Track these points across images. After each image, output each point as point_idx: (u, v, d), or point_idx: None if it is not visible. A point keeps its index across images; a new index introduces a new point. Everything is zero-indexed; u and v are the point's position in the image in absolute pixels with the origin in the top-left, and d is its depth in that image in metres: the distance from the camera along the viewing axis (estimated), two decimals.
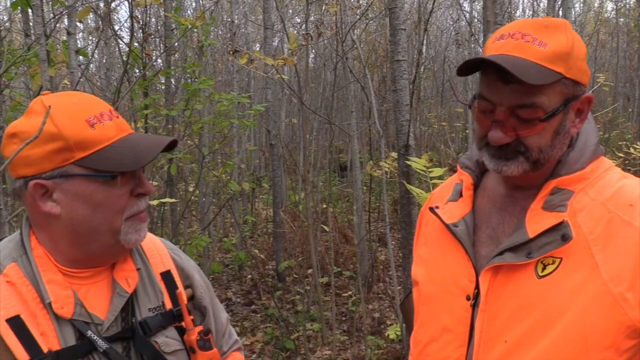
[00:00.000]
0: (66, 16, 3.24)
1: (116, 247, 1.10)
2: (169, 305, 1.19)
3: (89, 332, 1.04)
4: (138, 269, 1.17)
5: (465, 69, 1.07)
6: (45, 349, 0.99)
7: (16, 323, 0.99)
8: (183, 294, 1.22)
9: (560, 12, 7.17)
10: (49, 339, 1.01)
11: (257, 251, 7.09)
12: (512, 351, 1.04)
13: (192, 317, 1.20)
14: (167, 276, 1.22)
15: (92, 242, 1.07)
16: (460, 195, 1.23)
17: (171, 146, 1.12)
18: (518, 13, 13.16)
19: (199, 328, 1.18)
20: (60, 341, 1.02)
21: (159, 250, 1.26)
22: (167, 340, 1.15)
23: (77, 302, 1.05)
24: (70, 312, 1.04)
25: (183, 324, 1.18)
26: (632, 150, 5.81)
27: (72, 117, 1.02)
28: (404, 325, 3.82)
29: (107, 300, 1.10)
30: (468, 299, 1.12)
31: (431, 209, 1.25)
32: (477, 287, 1.11)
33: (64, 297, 1.04)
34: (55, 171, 1.02)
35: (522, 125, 1.04)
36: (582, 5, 14.87)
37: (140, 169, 1.09)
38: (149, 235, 1.26)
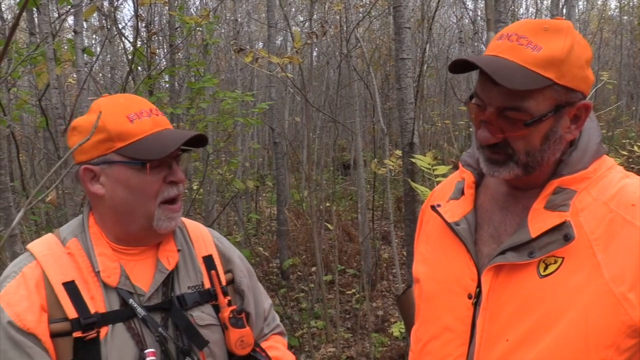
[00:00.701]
0: (72, 15, 3.26)
1: (151, 231, 1.25)
2: (207, 285, 1.33)
3: (131, 300, 1.20)
4: (179, 250, 1.32)
5: (455, 67, 1.08)
6: (92, 311, 1.17)
7: (71, 287, 1.17)
8: (222, 276, 1.36)
9: (564, 10, 7.15)
10: (96, 303, 1.18)
11: (261, 249, 7.11)
12: (513, 350, 1.05)
13: (228, 298, 1.33)
14: (208, 260, 1.37)
15: (130, 223, 1.24)
16: (462, 193, 1.22)
17: (201, 142, 1.27)
18: (522, 11, 13.14)
19: (232, 307, 1.31)
20: (106, 305, 1.19)
21: (204, 237, 1.41)
22: (202, 314, 1.28)
23: (122, 274, 1.22)
24: (116, 281, 1.21)
25: (218, 302, 1.31)
26: (635, 148, 5.80)
27: (115, 114, 1.21)
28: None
29: (151, 276, 1.26)
30: (470, 297, 1.12)
31: (433, 207, 1.25)
32: (478, 285, 1.11)
33: (111, 268, 1.21)
34: (101, 158, 1.21)
35: (509, 127, 1.05)
36: (585, 3, 14.83)
37: (173, 160, 1.25)
38: (197, 223, 1.45)
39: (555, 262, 1.03)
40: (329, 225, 5.59)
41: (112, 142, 1.19)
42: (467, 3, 11.62)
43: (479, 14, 10.68)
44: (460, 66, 1.07)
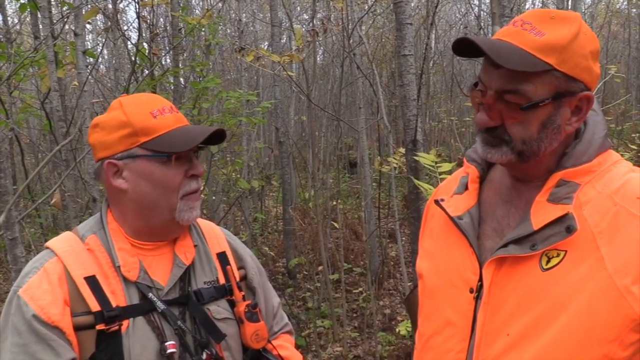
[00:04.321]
0: (74, 17, 3.25)
1: (172, 224, 1.29)
2: (222, 280, 1.37)
3: (150, 294, 1.23)
4: (195, 246, 1.36)
5: (459, 48, 1.08)
6: (114, 304, 1.19)
7: (92, 281, 1.20)
8: (235, 271, 1.40)
9: (570, 3, 7.08)
10: (117, 297, 1.21)
11: (267, 249, 7.11)
12: (514, 344, 1.03)
13: (242, 293, 1.36)
14: (222, 256, 1.41)
15: (152, 216, 1.27)
16: (466, 188, 1.22)
17: (221, 137, 1.31)
18: (527, 5, 13.03)
19: (248, 302, 1.34)
20: (126, 299, 1.21)
21: (216, 235, 1.45)
22: (218, 308, 1.32)
23: (141, 268, 1.25)
24: (135, 276, 1.23)
25: (234, 297, 1.34)
26: None
27: (139, 109, 1.25)
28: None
29: (168, 270, 1.30)
30: (471, 291, 1.11)
31: (436, 202, 1.24)
32: (480, 279, 1.10)
33: (131, 262, 1.24)
34: (125, 153, 1.24)
35: (507, 111, 1.05)
36: None
37: (193, 155, 1.29)
38: (209, 222, 1.49)
39: (558, 255, 1.02)
40: (335, 224, 5.57)
41: (137, 137, 1.23)
42: None
43: (484, 9, 10.61)
44: (464, 47, 1.07)
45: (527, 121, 1.04)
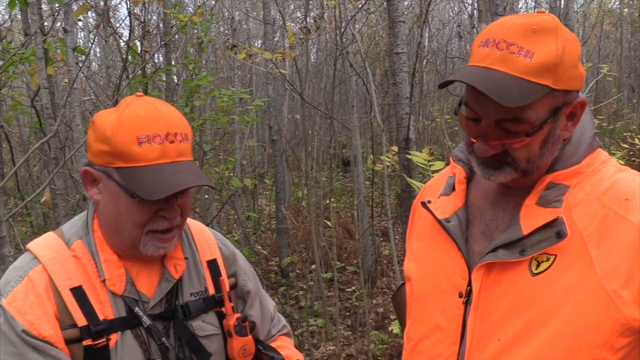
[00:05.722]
0: (64, 14, 3.22)
1: (138, 251, 1.18)
2: (211, 291, 1.30)
3: (137, 309, 1.17)
4: (186, 258, 1.28)
5: (448, 83, 1.04)
6: (101, 317, 1.13)
7: (78, 292, 1.13)
8: (226, 281, 1.32)
9: (562, 3, 7.09)
10: (104, 309, 1.14)
11: (260, 247, 7.09)
12: (505, 350, 1.02)
13: (232, 305, 1.29)
14: (212, 264, 1.33)
15: (117, 237, 1.18)
16: (453, 189, 1.20)
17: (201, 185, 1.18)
18: (520, 4, 13.05)
19: (238, 315, 1.28)
20: (114, 312, 1.15)
21: (207, 240, 1.36)
22: (202, 324, 1.25)
23: (128, 281, 1.18)
24: (122, 289, 1.17)
25: (224, 309, 1.28)
26: (636, 141, 5.78)
27: (127, 129, 1.11)
28: None
29: (156, 282, 1.22)
30: (460, 296, 1.10)
31: (423, 204, 1.22)
32: (469, 284, 1.09)
33: (117, 275, 1.17)
34: (102, 167, 1.15)
35: (508, 137, 1.01)
36: None
37: (173, 197, 1.14)
38: (200, 225, 1.39)
39: (548, 259, 1.01)
40: (328, 223, 5.57)
41: (113, 158, 1.11)
42: None
43: (477, 7, 10.61)
44: (450, 82, 1.04)
45: (530, 143, 1.01)
